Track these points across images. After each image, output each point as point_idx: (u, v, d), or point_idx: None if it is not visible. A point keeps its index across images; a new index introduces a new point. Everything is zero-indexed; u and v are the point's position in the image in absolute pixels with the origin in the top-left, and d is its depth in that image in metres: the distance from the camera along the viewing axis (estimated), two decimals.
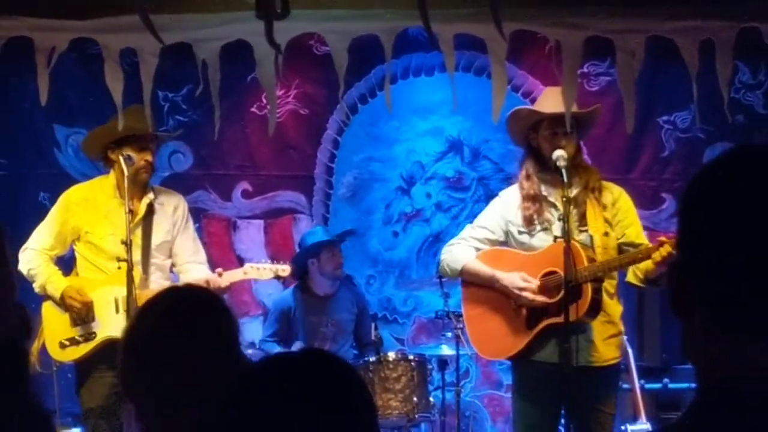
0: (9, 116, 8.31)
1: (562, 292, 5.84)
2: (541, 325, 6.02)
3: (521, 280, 6.02)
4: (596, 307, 5.93)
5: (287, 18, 5.15)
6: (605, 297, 6.03)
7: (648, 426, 7.76)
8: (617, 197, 6.22)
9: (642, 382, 7.94)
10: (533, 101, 8.83)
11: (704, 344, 1.63)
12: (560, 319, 5.85)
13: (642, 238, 6.12)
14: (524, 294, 6.01)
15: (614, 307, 6.19)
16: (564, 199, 5.90)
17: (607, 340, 6.11)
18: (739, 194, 1.59)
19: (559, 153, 5.99)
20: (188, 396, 2.76)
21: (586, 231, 6.10)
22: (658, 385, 8.04)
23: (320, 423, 2.05)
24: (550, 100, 6.26)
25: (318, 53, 7.44)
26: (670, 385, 8.02)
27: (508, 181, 8.96)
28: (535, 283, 6.00)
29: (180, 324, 2.90)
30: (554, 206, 6.09)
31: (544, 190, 6.15)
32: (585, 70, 8.74)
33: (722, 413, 1.57)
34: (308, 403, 2.06)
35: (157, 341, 2.88)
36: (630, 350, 7.17)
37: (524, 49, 7.90)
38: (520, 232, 6.22)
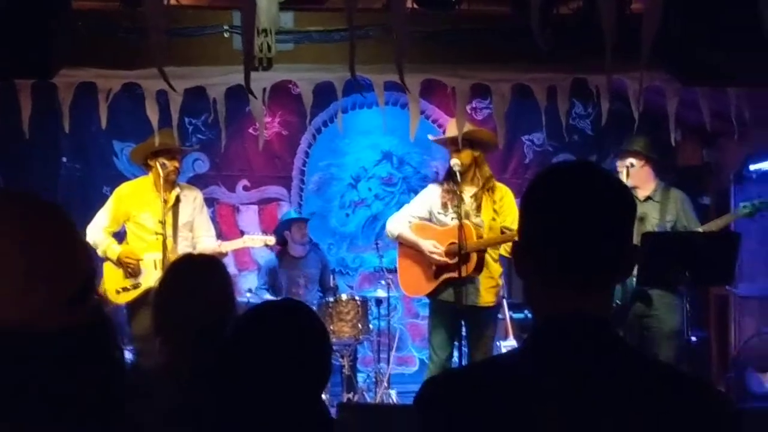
0: (83, 136, 8.24)
1: (455, 257, 6.07)
2: (442, 277, 6.26)
3: (432, 246, 6.26)
4: (479, 267, 6.15)
5: (272, 69, 5.16)
6: (490, 260, 6.24)
7: (514, 342, 7.77)
8: (503, 195, 6.35)
9: (511, 312, 7.93)
10: (439, 125, 8.90)
11: (534, 296, 1.66)
12: (455, 274, 6.09)
13: (515, 225, 6.04)
14: (433, 256, 6.23)
15: (495, 268, 6.33)
16: (459, 192, 6.05)
17: (488, 289, 6.27)
18: (534, 198, 1.66)
19: (453, 162, 6.22)
20: (194, 329, 2.72)
21: (480, 217, 6.24)
22: (521, 315, 8.01)
23: (292, 346, 2.05)
24: (449, 129, 6.41)
25: (294, 93, 7.34)
26: (530, 315, 8.00)
27: (423, 179, 9.03)
28: (441, 249, 6.22)
29: (191, 279, 2.87)
30: (459, 195, 6.15)
31: (455, 186, 6.20)
32: (473, 105, 8.81)
33: (547, 340, 1.60)
34: (284, 334, 2.07)
35: (176, 292, 2.85)
36: (504, 292, 7.11)
37: (433, 90, 7.85)
38: (438, 213, 6.39)
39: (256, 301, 7.93)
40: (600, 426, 1.52)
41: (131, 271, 6.37)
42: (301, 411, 2.02)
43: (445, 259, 6.20)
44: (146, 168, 6.55)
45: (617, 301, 6.31)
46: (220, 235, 7.38)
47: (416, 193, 7.63)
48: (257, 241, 6.93)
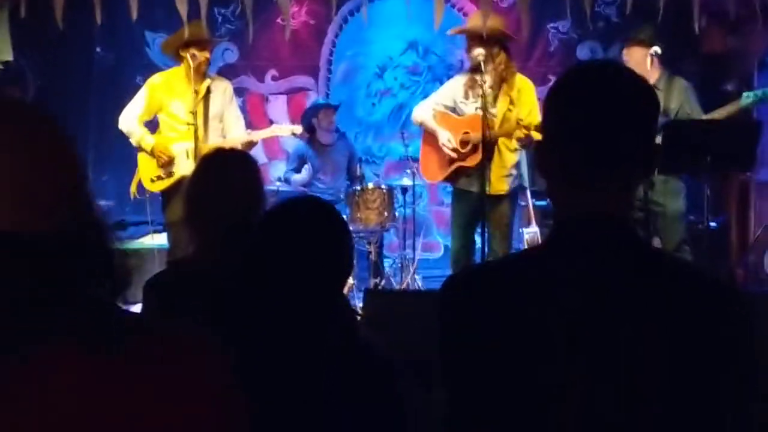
0: (115, 27, 8.16)
1: (469, 146, 6.22)
2: (454, 165, 6.36)
3: (446, 139, 6.29)
4: (487, 157, 6.12)
5: None
6: (504, 150, 6.23)
7: (536, 229, 7.77)
8: (522, 87, 6.24)
9: (533, 200, 7.90)
10: (464, 13, 8.79)
11: (556, 195, 1.65)
12: (465, 163, 6.26)
13: (532, 116, 6.08)
14: (445, 147, 6.28)
15: (509, 157, 6.29)
16: (481, 82, 5.97)
17: (499, 178, 6.24)
18: (558, 95, 1.63)
19: (475, 52, 6.11)
20: (222, 222, 2.72)
21: (495, 108, 6.17)
22: (544, 203, 7.97)
23: (313, 243, 2.06)
24: (470, 21, 6.43)
25: None
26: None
27: (449, 68, 8.95)
28: (453, 142, 6.29)
29: (221, 173, 2.86)
30: (481, 87, 6.02)
31: (477, 77, 6.11)
32: None
33: (567, 239, 1.60)
34: (304, 231, 2.07)
35: (205, 185, 2.84)
36: (527, 179, 7.07)
37: None
38: (461, 102, 6.37)
39: (285, 189, 7.98)
40: (618, 324, 1.52)
41: (163, 161, 6.37)
42: (322, 304, 2.04)
43: (450, 153, 6.29)
44: (177, 59, 6.49)
45: None
46: (250, 125, 7.36)
47: (441, 82, 7.62)
48: (285, 130, 6.86)
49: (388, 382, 2.02)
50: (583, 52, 9.18)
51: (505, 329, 1.55)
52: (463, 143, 6.24)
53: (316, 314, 2.02)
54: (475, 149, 6.15)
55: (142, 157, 6.45)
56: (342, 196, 7.80)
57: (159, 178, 6.40)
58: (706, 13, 7.52)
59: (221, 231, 2.68)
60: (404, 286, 7.53)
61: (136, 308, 7.11)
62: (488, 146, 6.10)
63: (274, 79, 9.19)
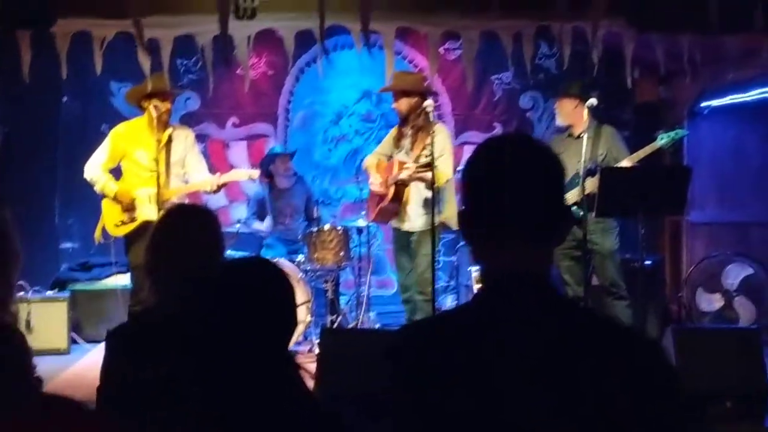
0: (82, 78, 8.10)
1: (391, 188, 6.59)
2: (379, 206, 6.70)
3: (374, 180, 6.75)
4: (396, 198, 6.56)
5: (256, 18, 5.11)
6: (419, 190, 6.55)
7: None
8: (437, 133, 6.35)
9: None
10: (414, 65, 8.93)
11: (482, 257, 1.73)
12: (384, 204, 6.63)
13: (441, 159, 6.32)
14: (372, 188, 6.78)
15: (424, 195, 6.54)
16: (400, 133, 6.65)
17: (418, 216, 6.55)
18: (473, 170, 1.73)
19: (399, 106, 6.55)
20: (182, 275, 2.73)
21: (411, 153, 6.56)
22: None
23: (259, 297, 2.08)
24: (393, 80, 6.65)
25: (278, 36, 7.24)
26: None
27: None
28: (380, 181, 6.68)
29: (183, 228, 2.87)
30: (402, 137, 6.62)
31: (403, 128, 6.62)
32: (446, 47, 8.74)
33: (494, 295, 1.68)
34: (253, 288, 2.09)
35: (167, 239, 2.85)
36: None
37: (409, 32, 7.78)
38: (395, 150, 6.73)
39: (245, 230, 8.00)
40: (543, 374, 1.58)
41: (126, 207, 6.38)
42: (269, 360, 2.06)
43: (378, 190, 6.67)
44: (140, 109, 6.52)
45: None
46: (211, 170, 7.33)
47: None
48: (243, 175, 6.85)
49: None
50: (525, 101, 9.32)
51: (442, 381, 1.62)
52: (383, 185, 6.63)
53: (263, 369, 2.04)
54: (394, 191, 6.53)
55: (106, 204, 6.45)
56: (300, 237, 7.83)
57: (122, 222, 6.40)
58: (639, 66, 7.69)
59: (181, 283, 2.69)
60: (359, 322, 7.56)
61: (97, 348, 7.07)
62: (400, 188, 6.50)
63: (234, 126, 9.20)
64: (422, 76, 6.63)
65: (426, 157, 6.34)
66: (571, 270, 6.53)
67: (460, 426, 1.59)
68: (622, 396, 1.56)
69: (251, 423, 1.98)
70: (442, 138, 6.42)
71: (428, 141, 6.31)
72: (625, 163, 6.21)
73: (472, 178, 1.72)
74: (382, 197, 6.65)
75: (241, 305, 2.06)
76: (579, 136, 6.38)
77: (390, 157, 6.72)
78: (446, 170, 6.37)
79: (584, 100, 6.35)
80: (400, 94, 6.51)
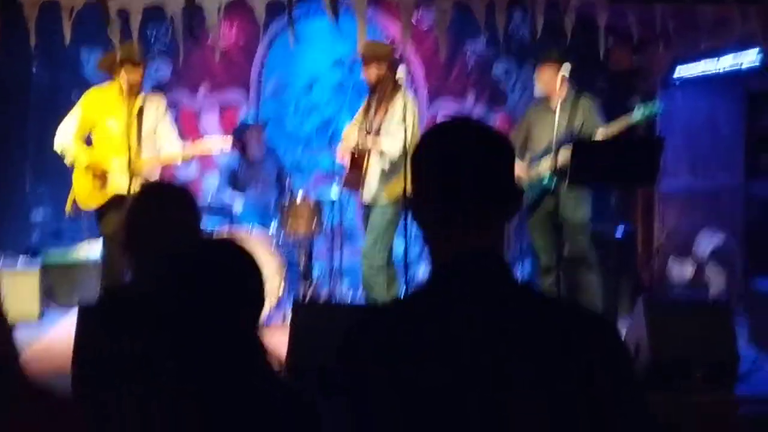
0: (51, 46, 7.96)
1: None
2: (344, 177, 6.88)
3: (340, 152, 6.83)
4: (355, 168, 6.64)
5: None
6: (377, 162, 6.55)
7: None
8: (396, 103, 6.42)
9: None
10: (386, 34, 8.88)
11: (433, 240, 1.75)
12: (347, 175, 6.77)
13: (394, 130, 6.38)
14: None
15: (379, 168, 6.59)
16: (368, 103, 6.64)
17: (373, 189, 6.58)
18: (422, 155, 1.75)
19: (367, 74, 6.55)
20: (158, 253, 2.72)
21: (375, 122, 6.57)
22: None
23: (229, 278, 2.09)
24: (362, 48, 6.62)
25: (249, 6, 7.16)
26: None
27: None
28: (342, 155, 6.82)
29: (159, 207, 2.86)
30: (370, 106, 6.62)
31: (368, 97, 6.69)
32: (418, 16, 8.68)
33: (446, 278, 1.70)
34: (223, 268, 2.10)
35: (143, 218, 2.84)
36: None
37: (380, 2, 7.75)
38: (362, 120, 6.71)
39: (216, 203, 7.96)
40: (497, 353, 1.61)
41: (97, 178, 6.32)
42: (237, 339, 2.07)
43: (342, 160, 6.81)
44: (111, 77, 6.44)
45: (530, 200, 6.48)
46: (183, 138, 7.29)
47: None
48: (215, 144, 6.76)
49: (300, 418, 2.04)
50: (498, 70, 9.30)
51: (398, 366, 1.64)
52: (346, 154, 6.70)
53: (233, 348, 2.05)
54: (350, 161, 6.64)
55: (76, 176, 6.37)
56: (272, 207, 7.81)
57: (93, 194, 6.33)
58: (613, 34, 7.67)
59: (157, 261, 2.69)
60: (332, 292, 7.58)
61: (70, 315, 7.02)
62: (359, 159, 6.54)
63: (206, 94, 9.14)
64: (392, 46, 6.60)
65: (388, 124, 6.37)
66: (543, 239, 6.56)
67: (417, 408, 1.62)
68: (578, 371, 1.59)
69: (225, 400, 1.99)
70: (403, 107, 6.38)
71: (390, 109, 6.35)
72: (599, 135, 6.22)
73: (420, 163, 1.75)
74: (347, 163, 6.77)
75: (212, 284, 2.07)
76: (558, 105, 6.37)
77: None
78: (398, 141, 6.36)
79: (562, 66, 6.35)
80: (368, 63, 6.48)
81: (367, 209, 6.71)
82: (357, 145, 6.52)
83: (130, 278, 2.85)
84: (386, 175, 6.46)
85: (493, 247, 1.70)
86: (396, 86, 6.42)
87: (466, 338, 1.62)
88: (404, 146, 6.21)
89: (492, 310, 1.64)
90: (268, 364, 2.13)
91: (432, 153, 1.73)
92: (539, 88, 6.54)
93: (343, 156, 6.74)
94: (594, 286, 6.43)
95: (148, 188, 3.07)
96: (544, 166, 6.24)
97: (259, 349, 2.12)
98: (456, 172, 1.68)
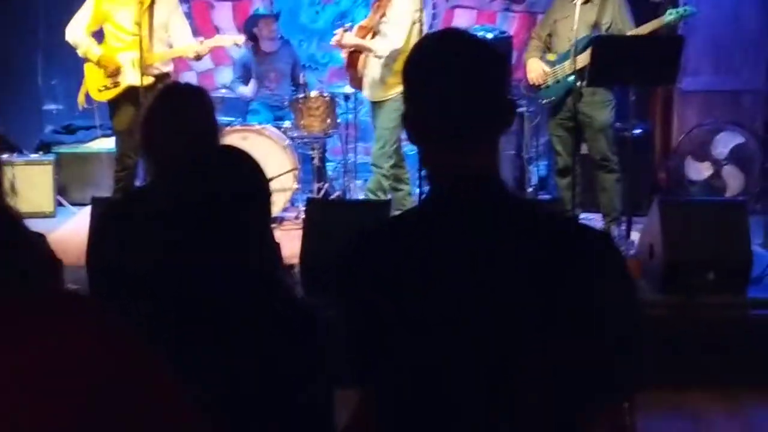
0: None
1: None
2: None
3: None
4: (351, 64, 6.79)
5: None
6: (375, 60, 6.57)
7: None
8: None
9: None
10: None
11: (428, 156, 1.74)
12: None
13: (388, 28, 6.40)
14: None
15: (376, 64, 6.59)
16: None
17: (374, 84, 6.62)
18: (412, 69, 1.71)
19: None
20: (177, 155, 2.72)
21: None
22: None
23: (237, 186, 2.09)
24: None
25: None
26: None
27: None
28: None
29: (176, 109, 2.85)
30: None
31: None
32: None
33: (442, 197, 1.70)
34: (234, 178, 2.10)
35: (161, 120, 2.82)
36: None
37: None
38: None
39: (230, 95, 7.91)
40: (495, 271, 1.61)
41: (109, 71, 6.29)
42: (248, 242, 2.07)
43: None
44: None
45: (552, 97, 6.39)
46: (196, 32, 7.23)
47: None
48: (227, 41, 6.78)
49: (306, 333, 2.04)
50: None
51: (399, 282, 1.65)
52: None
53: (245, 263, 2.05)
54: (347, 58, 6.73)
55: (88, 68, 6.36)
56: (286, 103, 7.76)
57: (106, 88, 6.33)
58: None
59: (175, 165, 2.68)
60: (346, 189, 7.59)
61: (83, 211, 7.05)
62: (354, 56, 6.62)
63: None
64: None
65: (385, 23, 6.31)
66: (562, 140, 6.48)
67: (415, 329, 1.63)
68: (576, 290, 1.60)
69: (233, 319, 1.99)
70: (400, 3, 6.31)
71: (388, 9, 6.27)
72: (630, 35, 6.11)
73: (410, 77, 1.72)
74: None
75: (221, 190, 2.06)
76: (585, 2, 6.21)
77: None
78: (394, 39, 6.30)
79: None
80: None
81: (374, 108, 6.67)
82: (349, 42, 6.55)
83: (147, 179, 2.86)
84: (385, 73, 6.39)
85: (488, 165, 1.69)
86: None
87: (462, 262, 1.62)
88: (407, 44, 6.17)
89: (488, 233, 1.63)
90: (276, 267, 2.13)
91: (421, 68, 1.70)
92: None
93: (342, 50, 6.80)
94: (614, 186, 6.40)
95: (166, 90, 3.03)
96: (569, 65, 6.13)
97: (268, 253, 2.12)
98: (447, 87, 1.65)
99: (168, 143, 2.74)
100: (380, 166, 6.53)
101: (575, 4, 6.08)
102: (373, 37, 6.48)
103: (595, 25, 6.20)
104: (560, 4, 6.46)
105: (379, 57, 6.37)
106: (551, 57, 6.45)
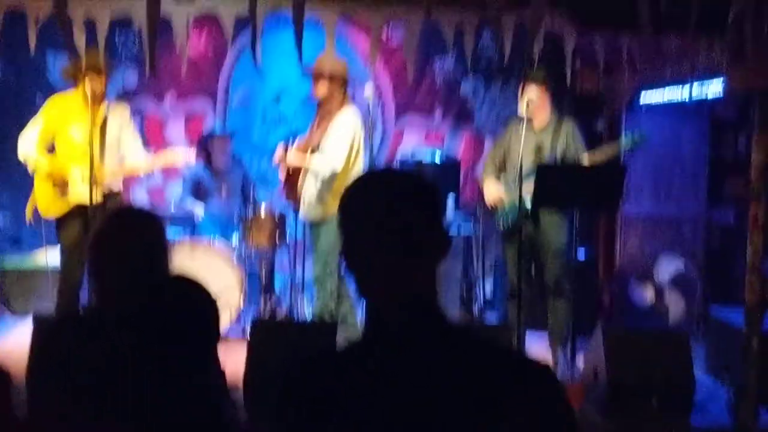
0: (15, 49, 7.95)
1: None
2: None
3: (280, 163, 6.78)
4: (290, 183, 6.67)
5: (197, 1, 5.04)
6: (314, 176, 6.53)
7: None
8: (337, 119, 6.46)
9: None
10: (355, 47, 8.86)
11: (364, 285, 1.76)
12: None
13: (335, 143, 6.40)
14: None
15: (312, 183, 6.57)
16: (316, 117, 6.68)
17: (311, 204, 6.58)
18: (349, 205, 1.78)
19: (317, 90, 6.59)
20: (124, 282, 2.72)
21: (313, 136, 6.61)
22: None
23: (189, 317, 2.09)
24: (317, 62, 6.61)
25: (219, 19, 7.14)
26: None
27: None
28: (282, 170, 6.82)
29: (126, 235, 2.85)
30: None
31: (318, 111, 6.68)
32: (389, 32, 8.67)
33: (380, 326, 1.73)
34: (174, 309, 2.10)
35: (109, 245, 2.82)
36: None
37: (352, 19, 7.72)
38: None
39: (180, 213, 7.93)
40: (430, 402, 1.62)
41: (59, 187, 6.30)
42: (193, 371, 2.07)
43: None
44: (76, 84, 6.40)
45: (509, 222, 6.47)
46: (147, 146, 7.30)
47: None
48: (178, 158, 6.76)
49: None
50: (466, 88, 9.32)
51: (336, 411, 1.67)
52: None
53: (189, 379, 2.05)
54: (285, 176, 6.68)
55: (38, 182, 6.35)
56: (236, 218, 7.79)
57: (54, 203, 6.30)
58: (580, 56, 7.74)
59: (121, 291, 2.68)
60: (293, 305, 7.57)
61: (24, 321, 6.95)
62: (292, 175, 6.55)
63: (172, 102, 9.10)
64: (345, 63, 6.57)
65: (325, 141, 6.38)
66: (515, 262, 6.48)
67: None
68: (514, 425, 1.60)
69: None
70: (342, 124, 6.40)
71: (330, 126, 6.35)
72: (586, 161, 6.27)
73: (347, 212, 1.78)
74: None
75: (172, 321, 2.06)
76: (541, 129, 6.38)
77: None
78: (334, 160, 6.36)
79: (549, 90, 6.38)
80: (319, 77, 6.46)
81: (312, 228, 6.65)
82: (290, 160, 6.56)
83: (92, 302, 2.85)
84: (324, 194, 6.45)
85: (423, 294, 1.73)
86: (342, 104, 6.43)
87: (398, 394, 1.64)
88: (348, 164, 6.28)
89: (424, 365, 1.66)
90: (221, 396, 2.13)
91: (357, 204, 1.76)
92: (523, 108, 6.40)
93: (281, 168, 6.79)
94: (564, 311, 6.43)
95: (115, 214, 3.03)
96: (527, 189, 6.17)
97: (214, 381, 2.12)
98: (382, 223, 1.71)
99: (115, 269, 2.74)
100: (323, 287, 6.50)
101: (535, 130, 6.26)
102: (312, 153, 6.50)
103: (551, 152, 6.36)
104: (514, 129, 6.56)
105: (318, 177, 6.39)
106: (507, 179, 6.53)
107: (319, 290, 6.56)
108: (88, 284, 2.89)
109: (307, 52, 8.44)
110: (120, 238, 2.80)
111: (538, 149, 6.33)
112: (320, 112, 6.57)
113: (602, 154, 6.35)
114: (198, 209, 8.02)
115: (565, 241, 6.45)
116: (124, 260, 2.74)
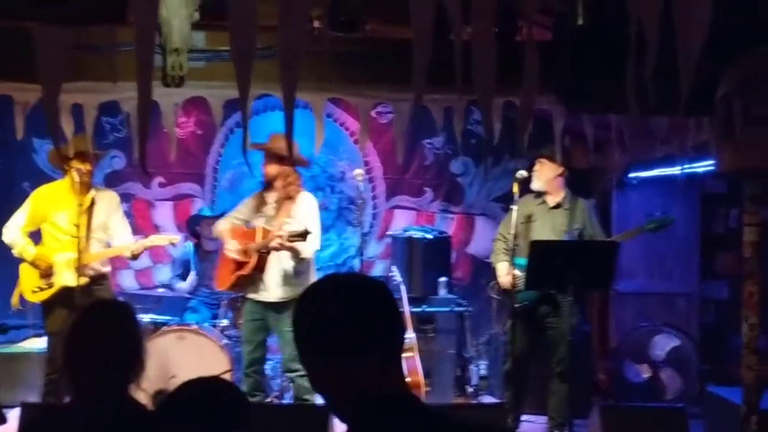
0: (3, 136, 7.97)
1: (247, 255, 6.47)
2: (236, 273, 6.55)
3: (229, 248, 6.52)
4: (260, 266, 6.42)
5: (185, 86, 5.08)
6: (284, 259, 6.40)
7: (413, 335, 7.71)
8: (302, 202, 6.51)
9: (410, 306, 7.90)
10: (346, 128, 8.92)
11: (326, 383, 1.83)
12: (243, 272, 6.47)
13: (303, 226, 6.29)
14: (230, 254, 6.50)
15: (289, 265, 6.46)
16: (263, 200, 6.61)
17: (279, 286, 6.46)
18: (312, 305, 1.84)
19: (268, 170, 6.61)
20: (98, 373, 2.70)
21: (276, 221, 6.46)
22: (419, 309, 8.00)
23: None
24: (271, 141, 6.72)
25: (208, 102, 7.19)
26: (426, 309, 8.01)
27: (330, 179, 9.06)
28: (237, 248, 6.49)
29: (100, 328, 2.84)
30: (265, 203, 6.57)
31: (265, 193, 6.64)
32: (378, 110, 8.68)
33: (358, 419, 1.77)
34: None
35: (84, 337, 2.81)
36: (402, 285, 7.25)
37: (341, 101, 7.80)
38: (253, 216, 6.65)
39: (168, 294, 7.89)
40: None
41: (43, 272, 6.31)
42: None
43: (235, 257, 6.44)
44: (63, 171, 6.44)
45: (526, 302, 6.41)
46: (136, 230, 7.31)
47: (322, 191, 7.85)
48: (163, 240, 6.79)
49: None
50: (456, 166, 9.35)
51: None
52: (242, 252, 6.44)
53: None
54: (257, 258, 6.41)
55: (23, 268, 6.37)
56: (225, 302, 7.75)
57: (40, 288, 6.32)
58: (570, 134, 7.79)
59: (97, 380, 2.67)
60: (284, 388, 7.49)
61: (12, 414, 6.84)
62: (262, 256, 6.37)
63: (160, 185, 9.12)
64: (297, 146, 6.60)
65: (290, 226, 6.31)
66: (521, 345, 6.45)
67: None
68: None
69: None
70: (310, 208, 6.43)
71: (294, 210, 6.32)
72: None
73: (300, 318, 1.84)
74: (239, 264, 6.52)
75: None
76: (555, 206, 6.41)
77: (247, 223, 6.65)
78: (314, 242, 6.34)
79: (561, 164, 6.42)
80: (271, 157, 6.51)
81: (277, 309, 6.47)
82: (264, 243, 6.36)
83: (71, 397, 2.82)
84: (290, 274, 6.42)
85: (398, 384, 1.78)
86: (299, 188, 6.53)
87: None
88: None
89: None
90: None
91: (311, 310, 1.82)
92: (538, 184, 6.47)
93: (238, 254, 6.51)
94: (565, 395, 6.35)
95: (90, 309, 3.04)
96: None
97: None
98: (336, 328, 1.76)
99: (86, 364, 2.74)
100: (296, 370, 6.37)
101: (550, 207, 6.28)
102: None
103: (569, 229, 6.35)
104: (525, 208, 6.54)
105: (302, 260, 6.35)
106: (521, 260, 6.40)
107: (294, 374, 6.47)
108: (68, 380, 2.86)
109: (298, 134, 8.61)
110: (91, 332, 2.80)
111: (555, 229, 6.34)
112: (272, 193, 6.56)
113: (628, 235, 6.39)
114: (186, 287, 8.01)
115: (576, 323, 6.41)
116: (95, 355, 2.74)
